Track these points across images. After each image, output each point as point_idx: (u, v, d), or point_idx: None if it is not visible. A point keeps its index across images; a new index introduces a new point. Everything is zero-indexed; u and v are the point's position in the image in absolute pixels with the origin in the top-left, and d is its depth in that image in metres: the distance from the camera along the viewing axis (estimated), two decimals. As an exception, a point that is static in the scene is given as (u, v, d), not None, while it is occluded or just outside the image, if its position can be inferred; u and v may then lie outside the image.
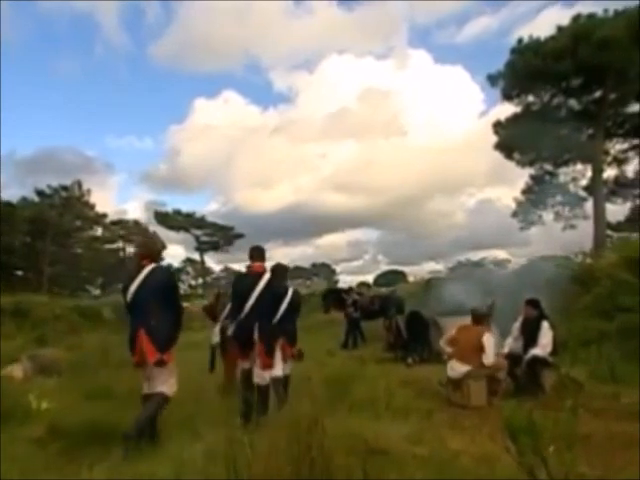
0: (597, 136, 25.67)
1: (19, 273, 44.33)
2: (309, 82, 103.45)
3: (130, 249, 58.08)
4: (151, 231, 56.40)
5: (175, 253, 63.72)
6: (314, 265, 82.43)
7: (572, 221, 28.73)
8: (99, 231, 55.46)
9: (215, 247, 60.18)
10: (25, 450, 4.19)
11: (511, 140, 27.09)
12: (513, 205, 30.61)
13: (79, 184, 49.07)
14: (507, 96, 27.02)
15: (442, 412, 5.60)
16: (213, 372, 8.00)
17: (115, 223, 56.65)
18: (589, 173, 27.22)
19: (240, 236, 59.07)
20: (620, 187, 28.40)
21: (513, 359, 6.77)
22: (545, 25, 51.14)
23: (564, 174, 28.80)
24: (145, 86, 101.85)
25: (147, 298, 4.45)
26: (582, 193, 28.48)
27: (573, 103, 26.25)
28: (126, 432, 4.09)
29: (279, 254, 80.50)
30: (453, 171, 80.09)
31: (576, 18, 24.27)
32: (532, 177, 29.37)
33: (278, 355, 5.44)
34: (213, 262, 69.87)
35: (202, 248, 59.74)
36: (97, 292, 54.07)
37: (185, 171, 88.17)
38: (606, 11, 23.83)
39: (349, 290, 17.13)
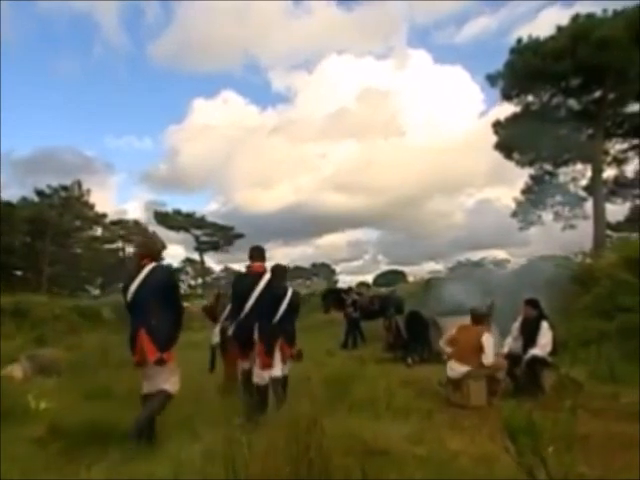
0: (597, 136, 25.67)
1: (19, 273, 44.32)
2: (308, 82, 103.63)
3: (130, 249, 58.05)
4: (151, 231, 56.46)
5: (175, 253, 63.83)
6: (314, 265, 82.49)
7: (572, 221, 28.75)
8: (99, 231, 55.46)
9: (215, 247, 60.16)
10: (24, 450, 4.18)
11: (511, 140, 27.08)
12: (513, 205, 30.65)
13: (79, 184, 49.10)
14: (506, 96, 27.01)
15: (442, 412, 5.60)
16: (213, 372, 8.00)
17: (115, 223, 56.63)
18: (589, 173, 27.23)
19: (240, 236, 59.07)
20: (620, 187, 28.39)
21: (513, 359, 6.76)
22: (544, 25, 51.34)
23: (564, 174, 28.82)
24: (144, 86, 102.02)
25: (147, 297, 4.45)
26: (582, 193, 28.49)
27: (573, 103, 26.24)
28: (129, 431, 4.12)
29: (279, 254, 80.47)
30: (453, 171, 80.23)
31: (575, 18, 24.26)
32: (532, 177, 29.37)
33: (277, 355, 5.43)
34: (213, 262, 70.00)
35: (202, 248, 59.73)
36: (97, 292, 54.05)
37: (185, 171, 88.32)
38: (605, 11, 23.86)
39: (348, 290, 17.11)
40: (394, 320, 12.39)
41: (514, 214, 30.40)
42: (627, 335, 8.42)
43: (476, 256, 57.92)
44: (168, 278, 4.78)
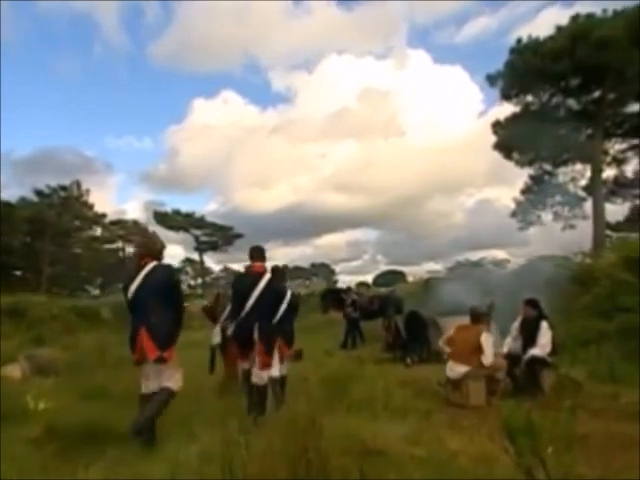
0: (596, 136, 25.68)
1: (18, 273, 44.28)
2: (308, 82, 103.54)
3: (129, 249, 58.06)
4: (150, 231, 56.45)
5: (174, 253, 63.60)
6: (313, 265, 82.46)
7: (571, 221, 28.77)
8: (98, 231, 55.45)
9: (214, 247, 60.12)
10: (22, 450, 4.17)
11: (510, 140, 27.08)
12: (512, 205, 30.67)
13: (78, 184, 49.08)
14: (506, 96, 27.02)
15: (441, 412, 5.58)
16: (213, 373, 7.98)
17: (114, 223, 56.61)
18: (588, 173, 27.24)
19: (239, 236, 59.04)
20: (619, 187, 28.40)
21: (512, 359, 6.75)
22: (544, 25, 51.34)
23: (563, 174, 28.85)
24: (144, 86, 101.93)
25: (148, 296, 4.45)
26: (581, 193, 28.53)
27: (572, 103, 26.24)
28: (132, 430, 4.15)
29: (279, 254, 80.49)
30: (452, 171, 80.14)
31: (575, 18, 24.26)
32: (531, 177, 29.39)
33: (275, 355, 5.43)
34: (212, 262, 69.92)
35: (201, 248, 59.69)
36: (96, 292, 54.03)
37: (184, 171, 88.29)
38: (605, 11, 23.86)
39: (348, 290, 17.11)
40: (393, 320, 12.38)
41: (514, 214, 30.42)
42: (627, 335, 8.42)
43: (476, 256, 57.73)
44: (169, 277, 4.77)
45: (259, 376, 5.07)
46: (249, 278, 5.34)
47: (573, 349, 8.23)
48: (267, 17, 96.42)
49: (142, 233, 55.97)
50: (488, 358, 6.39)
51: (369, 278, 61.38)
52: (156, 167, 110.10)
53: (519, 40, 25.77)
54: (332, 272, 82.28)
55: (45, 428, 4.68)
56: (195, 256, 62.54)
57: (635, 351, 7.70)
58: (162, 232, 53.22)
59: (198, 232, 58.34)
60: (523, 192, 29.91)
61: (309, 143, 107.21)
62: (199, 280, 65.89)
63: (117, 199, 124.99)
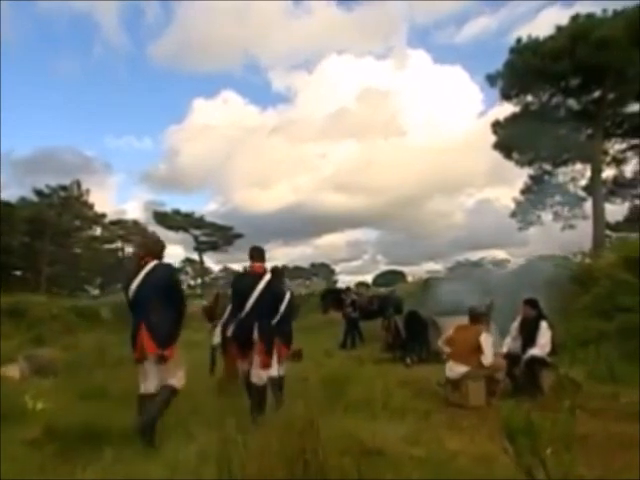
0: (596, 136, 25.67)
1: (18, 273, 44.26)
2: (308, 82, 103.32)
3: (129, 249, 58.07)
4: (150, 231, 56.44)
5: (174, 253, 63.50)
6: (313, 265, 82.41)
7: (571, 221, 28.75)
8: (98, 231, 55.45)
9: (214, 247, 60.09)
10: (21, 451, 4.17)
11: (510, 140, 27.07)
12: (512, 205, 30.66)
13: (78, 184, 49.06)
14: (506, 96, 27.00)
15: (440, 412, 5.57)
16: (213, 373, 7.98)
17: (114, 223, 56.61)
18: (588, 173, 27.22)
19: (239, 236, 59.01)
20: (619, 187, 28.40)
21: (512, 359, 6.74)
22: (544, 25, 51.25)
23: (563, 174, 28.83)
24: (144, 86, 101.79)
25: (148, 295, 4.48)
26: (581, 193, 28.51)
27: (572, 103, 26.23)
28: (136, 429, 4.19)
29: (278, 254, 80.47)
30: (452, 171, 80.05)
31: (575, 18, 24.25)
32: (531, 177, 29.38)
33: (274, 356, 5.42)
34: (212, 262, 69.91)
35: (201, 248, 59.67)
36: (96, 292, 54.02)
37: (184, 171, 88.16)
38: (605, 11, 23.84)
39: (347, 290, 17.11)
40: (393, 320, 12.38)
41: (513, 214, 30.41)
42: (626, 335, 8.41)
43: (475, 256, 57.75)
44: (169, 276, 4.80)
45: (259, 376, 5.06)
46: (249, 278, 5.34)
47: (573, 349, 8.22)
48: (267, 17, 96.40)
49: (142, 233, 56.02)
50: (488, 358, 6.38)
51: (369, 278, 61.47)
52: (156, 167, 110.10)
53: (519, 40, 25.78)
54: (332, 272, 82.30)
55: (43, 428, 4.67)
56: (195, 256, 62.61)
57: (635, 351, 7.69)
58: (162, 232, 53.18)
59: (198, 232, 58.32)
60: (523, 192, 29.91)
61: (309, 143, 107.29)
62: (199, 280, 65.88)
63: (117, 199, 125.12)
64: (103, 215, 53.36)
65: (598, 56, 22.14)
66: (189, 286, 64.91)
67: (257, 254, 5.42)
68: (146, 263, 4.61)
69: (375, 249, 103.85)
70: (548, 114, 25.60)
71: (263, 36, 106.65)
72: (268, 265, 5.67)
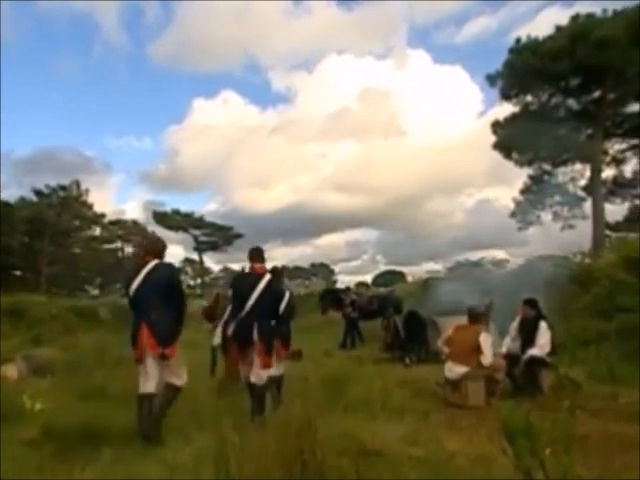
0: (596, 136, 25.66)
1: (17, 273, 44.21)
2: (308, 82, 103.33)
3: (128, 249, 58.07)
4: (150, 231, 56.43)
5: (174, 253, 63.40)
6: (313, 265, 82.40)
7: (571, 221, 28.76)
8: (97, 231, 55.39)
9: (214, 247, 60.05)
10: (19, 451, 4.16)
11: (510, 140, 27.06)
12: (512, 205, 30.66)
13: (77, 184, 49.01)
14: (506, 96, 27.00)
15: (439, 413, 5.57)
16: (214, 373, 7.96)
17: (113, 223, 56.57)
18: (588, 173, 27.21)
19: (239, 236, 58.97)
20: (619, 187, 28.40)
21: (511, 359, 6.73)
22: (544, 25, 51.17)
23: (563, 174, 28.83)
24: (144, 86, 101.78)
25: (149, 294, 4.53)
26: (581, 193, 28.51)
27: (572, 103, 26.22)
28: (143, 430, 4.27)
29: (278, 254, 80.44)
30: (452, 171, 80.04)
31: (575, 18, 24.24)
32: (531, 177, 29.38)
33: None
34: (212, 262, 69.87)
35: (201, 248, 59.63)
36: (95, 292, 53.98)
37: (184, 171, 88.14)
38: (605, 11, 23.83)
39: (347, 290, 17.09)
40: (392, 320, 12.36)
41: (513, 214, 30.41)
42: (626, 335, 8.40)
43: (475, 256, 57.75)
44: (170, 275, 4.84)
45: (259, 376, 5.07)
46: (249, 278, 5.35)
47: (572, 349, 8.21)
48: (267, 17, 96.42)
49: (142, 233, 56.06)
50: (487, 358, 6.36)
51: (368, 278, 61.51)
52: (156, 167, 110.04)
53: (518, 40, 25.76)
54: (331, 272, 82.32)
55: (41, 428, 4.67)
56: (194, 256, 62.57)
57: (634, 351, 7.68)
58: (161, 232, 53.11)
59: (197, 232, 58.28)
60: (522, 192, 29.91)
61: (309, 143, 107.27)
62: (198, 280, 65.86)
63: (117, 199, 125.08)
64: (102, 215, 53.36)
65: (598, 56, 22.14)
66: (189, 286, 64.87)
67: (257, 255, 5.43)
68: (147, 262, 4.66)
69: (375, 249, 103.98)
70: (548, 114, 25.60)
71: (263, 36, 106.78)
72: (268, 265, 5.70)
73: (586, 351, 8.21)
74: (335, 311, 16.35)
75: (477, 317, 6.89)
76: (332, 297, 16.93)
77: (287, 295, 6.10)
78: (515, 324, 7.13)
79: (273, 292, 5.31)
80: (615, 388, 6.35)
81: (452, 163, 79.60)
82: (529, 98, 26.95)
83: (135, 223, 58.78)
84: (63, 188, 47.71)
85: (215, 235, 58.87)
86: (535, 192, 28.94)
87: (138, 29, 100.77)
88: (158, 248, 4.95)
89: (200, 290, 53.49)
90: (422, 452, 3.31)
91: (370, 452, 3.20)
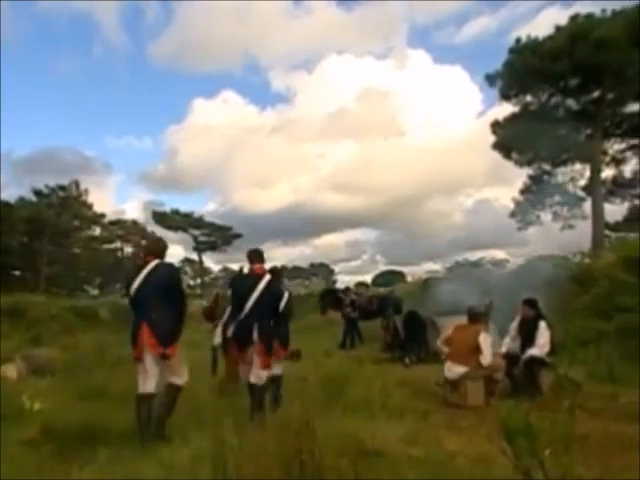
0: (595, 136, 25.66)
1: (17, 273, 44.18)
2: (308, 82, 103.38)
3: (128, 249, 58.06)
4: (149, 231, 56.42)
5: (173, 253, 63.26)
6: (312, 265, 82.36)
7: (570, 221, 28.76)
8: (97, 231, 55.36)
9: (213, 247, 60.01)
10: (18, 451, 4.16)
11: (509, 140, 27.06)
12: (511, 205, 30.67)
13: (77, 184, 48.96)
14: (505, 96, 26.99)
15: (439, 413, 5.56)
16: (215, 373, 7.96)
17: (113, 223, 56.56)
18: (587, 173, 27.20)
19: (238, 236, 58.97)
20: (618, 187, 28.40)
21: (511, 359, 6.73)
22: (544, 25, 51.27)
23: (562, 174, 28.83)
24: (144, 86, 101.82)
25: (150, 294, 4.56)
26: (580, 193, 28.51)
27: (571, 103, 26.22)
28: (153, 432, 4.29)
29: (278, 254, 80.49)
30: (451, 171, 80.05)
31: (574, 18, 24.23)
32: (530, 177, 29.38)
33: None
34: (211, 262, 69.84)
35: (200, 248, 59.60)
36: (95, 292, 53.94)
37: (183, 171, 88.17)
38: (604, 11, 23.82)
39: (346, 290, 17.08)
40: (392, 320, 12.36)
41: (513, 214, 30.41)
42: (626, 335, 8.40)
43: (475, 256, 57.84)
44: (171, 275, 4.86)
45: (258, 376, 5.08)
46: (248, 280, 5.37)
47: (572, 349, 8.20)
48: (267, 17, 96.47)
49: (141, 233, 56.10)
50: (487, 358, 6.36)
51: (368, 278, 61.54)
52: (155, 167, 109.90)
53: (518, 40, 25.76)
54: (331, 272, 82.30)
55: (40, 428, 4.67)
56: (194, 256, 62.54)
57: (634, 351, 7.68)
58: (161, 232, 53.16)
59: (197, 232, 58.25)
60: (522, 192, 29.91)
61: (309, 143, 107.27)
62: (198, 280, 65.83)
63: (116, 199, 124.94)
64: (102, 215, 53.33)
65: (597, 56, 22.14)
66: (188, 286, 64.84)
67: (256, 256, 5.45)
68: (148, 262, 4.69)
69: (374, 249, 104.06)
70: (547, 114, 25.60)
71: (263, 36, 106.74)
72: (267, 265, 5.72)
73: (585, 351, 8.20)
74: (334, 311, 16.35)
75: (476, 317, 6.88)
76: (331, 297, 16.92)
77: (286, 295, 6.10)
78: (515, 324, 7.13)
79: (272, 293, 5.32)
80: (615, 388, 6.34)
81: (452, 163, 79.69)
82: (529, 98, 26.96)
83: (135, 223, 58.83)
84: (63, 188, 47.68)
85: (214, 235, 58.85)
86: (535, 192, 28.94)
87: (138, 29, 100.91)
88: (159, 248, 4.98)
89: (200, 290, 53.46)
90: (421, 452, 3.31)
91: (369, 452, 3.19)
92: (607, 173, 27.92)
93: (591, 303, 10.25)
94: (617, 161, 27.68)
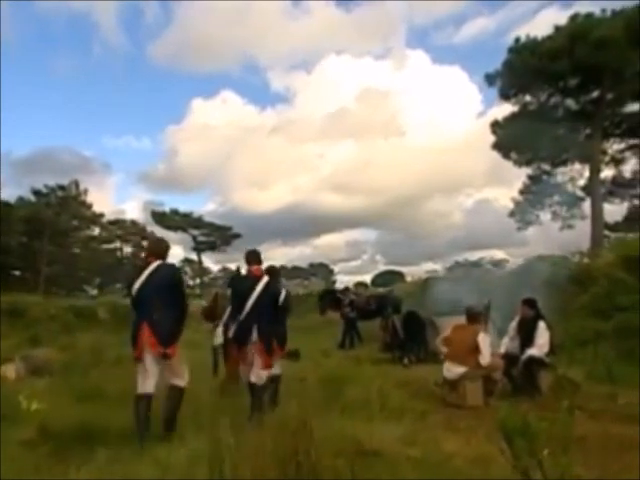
0: (594, 136, 25.67)
1: (16, 273, 44.14)
2: (307, 82, 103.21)
3: (127, 249, 58.04)
4: (149, 231, 56.40)
5: (173, 253, 62.78)
6: (312, 265, 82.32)
7: (570, 221, 28.79)
8: (96, 231, 55.36)
9: (212, 247, 60.01)
10: (16, 451, 4.15)
11: (508, 140, 27.08)
12: (511, 205, 30.70)
13: (76, 184, 48.89)
14: (504, 96, 27.01)
15: (437, 413, 5.54)
16: (216, 373, 7.95)
17: (112, 223, 56.54)
18: (587, 173, 27.22)
19: (238, 236, 58.99)
20: (618, 187, 28.42)
21: (510, 359, 6.72)
22: (543, 25, 51.44)
23: (562, 174, 28.86)
24: (143, 86, 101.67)
25: (151, 294, 4.58)
26: (580, 193, 28.54)
27: (570, 103, 26.22)
28: (163, 433, 4.32)
29: (277, 254, 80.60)
30: (451, 171, 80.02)
31: (573, 18, 24.24)
32: (530, 177, 29.40)
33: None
34: (211, 262, 69.85)
35: (199, 248, 59.59)
36: (94, 292, 53.88)
37: (183, 171, 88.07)
38: (604, 11, 23.84)
39: (346, 290, 17.07)
40: (391, 320, 12.34)
41: (512, 214, 30.44)
42: (625, 335, 8.39)
43: (474, 256, 57.97)
44: (172, 276, 4.89)
45: (259, 376, 5.10)
46: (247, 281, 5.41)
47: (571, 349, 8.20)
48: (266, 17, 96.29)
49: (141, 233, 56.11)
50: (485, 358, 6.35)
51: (367, 278, 61.51)
52: (155, 167, 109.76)
53: (517, 39, 25.75)
54: (331, 272, 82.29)
55: (38, 429, 4.66)
56: (193, 256, 62.52)
57: (633, 351, 7.68)
58: (160, 232, 53.15)
59: (196, 232, 58.24)
60: (522, 192, 29.94)
61: (308, 143, 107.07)
62: (197, 280, 65.81)
63: (116, 199, 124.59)
64: (101, 215, 53.32)
65: (597, 56, 22.14)
66: (188, 286, 64.83)
67: (253, 257, 5.50)
68: (150, 263, 4.72)
69: (374, 249, 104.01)
70: (547, 114, 25.60)
71: (262, 36, 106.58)
72: (265, 265, 5.77)
73: (584, 351, 8.21)
74: (333, 311, 16.35)
75: (475, 317, 6.87)
76: (330, 298, 16.91)
77: (284, 292, 6.12)
78: (514, 324, 7.12)
79: (271, 294, 5.36)
80: (613, 388, 6.33)
81: (451, 163, 79.67)
82: (528, 98, 26.98)
83: (134, 223, 58.84)
84: (62, 188, 47.63)
85: (214, 235, 58.86)
86: (534, 192, 28.96)
87: (137, 29, 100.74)
88: (161, 249, 5.00)
89: (199, 290, 53.44)
90: (420, 452, 3.30)
91: (368, 452, 3.19)
92: (606, 173, 28.02)
93: (590, 303, 10.24)
94: (616, 161, 27.70)
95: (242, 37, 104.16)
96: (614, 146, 27.44)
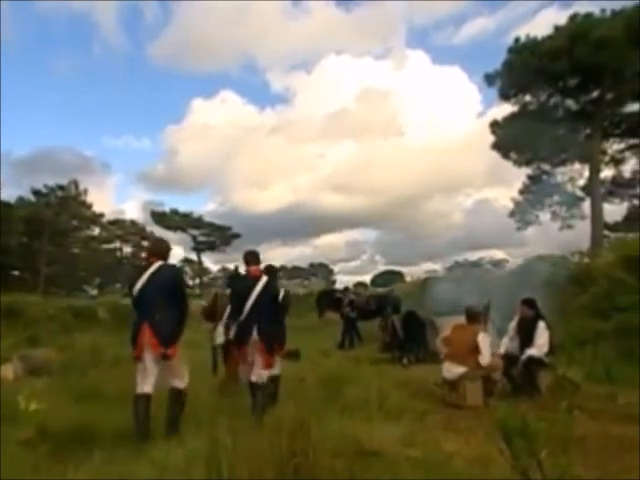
0: (594, 136, 25.66)
1: (16, 273, 44.11)
2: (307, 82, 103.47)
3: (127, 249, 58.01)
4: (149, 231, 56.39)
5: (173, 253, 62.64)
6: (312, 265, 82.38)
7: (569, 221, 28.78)
8: (96, 231, 55.34)
9: (212, 247, 60.00)
10: (14, 451, 4.14)
11: (508, 140, 27.06)
12: (510, 205, 30.69)
13: (76, 184, 48.84)
14: (504, 96, 26.98)
15: (437, 413, 5.53)
16: (216, 373, 7.93)
17: (112, 223, 56.52)
18: (586, 173, 27.20)
19: (237, 236, 58.98)
20: (617, 187, 28.41)
21: (509, 359, 6.71)
22: (543, 25, 51.46)
23: (561, 174, 28.86)
24: (143, 86, 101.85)
25: (152, 294, 4.60)
26: (579, 193, 28.53)
27: (570, 103, 26.22)
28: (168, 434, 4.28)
29: (277, 254, 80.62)
30: (451, 171, 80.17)
31: (573, 18, 24.22)
32: (529, 177, 29.40)
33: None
34: (210, 262, 69.84)
35: (199, 248, 59.57)
36: (94, 292, 53.85)
37: (183, 171, 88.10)
38: (603, 11, 23.81)
39: (345, 290, 17.07)
40: (390, 320, 12.33)
41: (512, 214, 30.43)
42: (624, 335, 8.39)
43: (474, 256, 57.96)
44: (174, 276, 4.92)
45: (259, 375, 5.12)
46: (246, 281, 5.42)
47: (570, 349, 8.19)
48: (266, 17, 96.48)
49: (140, 233, 56.09)
50: (485, 358, 6.33)
51: (367, 278, 61.59)
52: (154, 167, 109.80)
53: (517, 39, 25.72)
54: (330, 272, 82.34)
55: (37, 429, 4.65)
56: (193, 256, 62.49)
57: (633, 351, 7.67)
58: (160, 232, 53.24)
59: (196, 232, 58.23)
60: (521, 192, 29.93)
61: (308, 143, 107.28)
62: (197, 280, 65.78)
63: (115, 199, 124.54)
64: (101, 215, 53.28)
65: (596, 56, 22.12)
66: (188, 286, 64.78)
67: (252, 258, 5.52)
68: (151, 263, 4.74)
69: (374, 249, 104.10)
70: (546, 114, 25.58)
71: (262, 36, 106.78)
72: (264, 264, 5.78)
73: (584, 351, 8.19)
74: (333, 312, 16.35)
75: (475, 317, 6.86)
76: (328, 299, 16.92)
77: (282, 291, 6.12)
78: (513, 324, 7.11)
79: (270, 293, 5.37)
80: (613, 389, 6.33)
81: (451, 163, 79.79)
82: (528, 98, 26.95)
83: (134, 223, 58.84)
84: (62, 188, 47.59)
85: (213, 235, 58.85)
86: (534, 192, 28.96)
87: (137, 29, 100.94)
88: (163, 249, 5.03)
89: (199, 290, 53.42)
90: (419, 453, 3.29)
91: (367, 453, 3.18)
92: (606, 173, 27.99)
93: (590, 303, 10.24)
94: (616, 161, 27.68)
95: (242, 37, 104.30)
96: (614, 146, 27.46)
